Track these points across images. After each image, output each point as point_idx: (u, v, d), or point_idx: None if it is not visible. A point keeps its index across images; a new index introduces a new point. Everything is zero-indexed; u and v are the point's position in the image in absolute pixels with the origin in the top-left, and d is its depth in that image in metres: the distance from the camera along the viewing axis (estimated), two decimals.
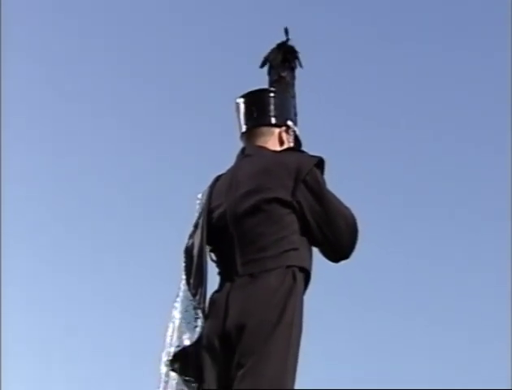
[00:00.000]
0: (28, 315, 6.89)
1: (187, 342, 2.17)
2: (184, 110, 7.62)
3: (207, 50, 7.59)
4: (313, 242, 2.21)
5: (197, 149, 7.24)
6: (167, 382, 2.20)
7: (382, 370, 6.68)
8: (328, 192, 2.22)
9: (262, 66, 2.49)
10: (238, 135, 2.40)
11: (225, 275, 2.23)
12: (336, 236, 2.20)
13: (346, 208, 2.23)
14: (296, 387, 2.09)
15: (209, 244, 2.26)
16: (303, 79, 2.48)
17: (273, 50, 2.49)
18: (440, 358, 6.89)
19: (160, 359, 2.22)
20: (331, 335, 6.40)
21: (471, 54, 7.70)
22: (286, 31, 2.47)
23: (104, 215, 7.39)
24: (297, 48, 2.46)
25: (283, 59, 2.46)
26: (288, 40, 2.47)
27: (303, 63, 2.48)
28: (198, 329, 2.16)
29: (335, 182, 2.29)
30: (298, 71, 2.48)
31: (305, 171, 2.18)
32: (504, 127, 7.10)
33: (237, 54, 7.27)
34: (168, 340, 2.22)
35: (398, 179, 7.74)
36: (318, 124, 6.45)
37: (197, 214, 2.34)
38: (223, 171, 2.36)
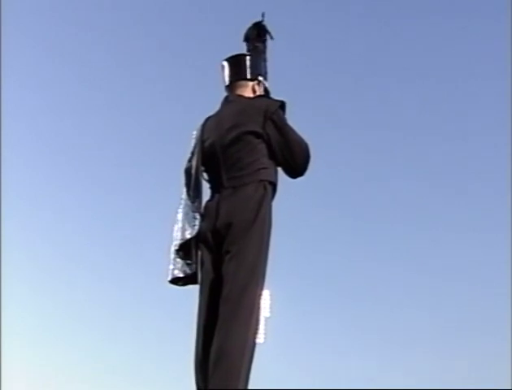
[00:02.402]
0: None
1: (188, 236, 2.81)
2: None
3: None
4: (277, 163, 2.86)
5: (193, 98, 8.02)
6: (175, 264, 2.85)
7: None
8: (288, 126, 2.84)
9: (244, 39, 3.12)
10: (222, 88, 3.06)
11: (214, 188, 2.84)
12: (293, 158, 2.83)
13: (301, 138, 2.85)
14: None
15: (202, 165, 2.89)
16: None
17: (250, 28, 3.13)
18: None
19: (169, 249, 2.87)
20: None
21: None
22: (262, 14, 3.12)
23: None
24: (268, 26, 3.11)
25: (257, 34, 3.10)
26: (262, 20, 3.12)
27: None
28: (196, 227, 2.81)
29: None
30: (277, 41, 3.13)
31: (272, 110, 2.81)
32: None
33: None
34: (175, 235, 2.87)
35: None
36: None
37: (192, 145, 2.99)
38: (210, 113, 3.01)
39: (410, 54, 8.47)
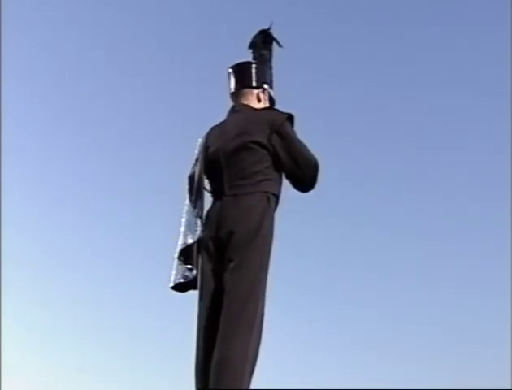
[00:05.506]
0: None
1: (190, 241, 2.83)
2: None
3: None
4: (285, 176, 2.85)
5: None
6: (176, 270, 2.87)
7: None
8: (296, 139, 2.82)
9: (250, 47, 3.12)
10: (222, 91, 3.07)
11: (216, 195, 2.84)
12: (301, 173, 2.81)
13: (309, 152, 2.83)
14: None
15: (205, 173, 2.89)
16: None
17: (256, 35, 3.12)
18: None
19: (171, 256, 2.89)
20: None
21: None
22: (271, 23, 3.12)
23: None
24: (275, 34, 3.10)
25: (263, 42, 3.09)
26: (269, 28, 3.11)
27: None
28: (198, 232, 2.82)
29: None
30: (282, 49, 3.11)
31: (278, 123, 2.81)
32: None
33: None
34: (177, 241, 2.89)
35: None
36: None
37: (197, 152, 3.00)
38: (211, 117, 3.04)
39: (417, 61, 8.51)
